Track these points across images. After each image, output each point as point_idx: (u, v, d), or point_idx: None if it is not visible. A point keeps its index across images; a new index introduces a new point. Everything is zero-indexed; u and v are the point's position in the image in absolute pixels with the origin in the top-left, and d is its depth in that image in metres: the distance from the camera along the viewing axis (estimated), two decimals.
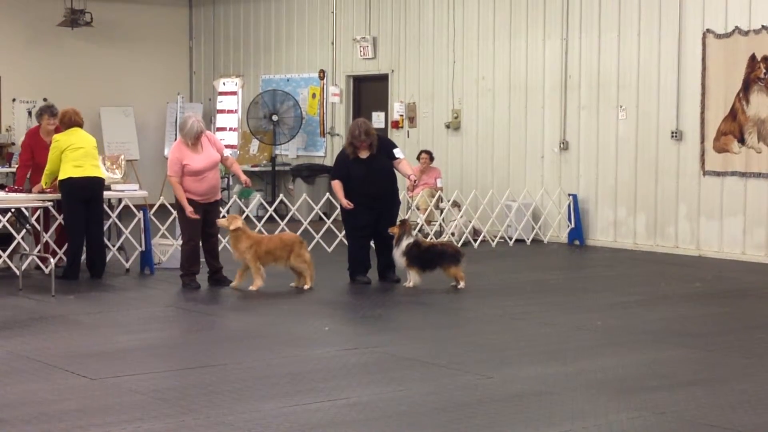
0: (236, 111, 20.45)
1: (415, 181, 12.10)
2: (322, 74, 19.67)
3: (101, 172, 12.35)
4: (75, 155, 11.96)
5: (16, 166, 14.09)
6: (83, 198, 12.01)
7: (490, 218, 15.95)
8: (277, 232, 12.77)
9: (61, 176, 11.96)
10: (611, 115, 15.48)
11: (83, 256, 12.24)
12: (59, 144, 12.01)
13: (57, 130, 12.50)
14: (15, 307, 10.45)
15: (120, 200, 13.13)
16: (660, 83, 14.90)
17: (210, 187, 11.61)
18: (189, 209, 11.40)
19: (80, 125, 12.27)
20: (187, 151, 11.52)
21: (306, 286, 11.47)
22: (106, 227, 12.63)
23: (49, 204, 12.11)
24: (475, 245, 15.44)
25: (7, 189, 12.53)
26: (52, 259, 11.57)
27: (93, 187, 12.08)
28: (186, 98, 21.57)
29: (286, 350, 8.54)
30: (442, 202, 16.34)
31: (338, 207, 12.48)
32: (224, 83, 20.88)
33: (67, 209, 12.05)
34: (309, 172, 19.13)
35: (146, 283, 12.12)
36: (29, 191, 12.37)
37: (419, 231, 14.96)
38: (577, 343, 8.89)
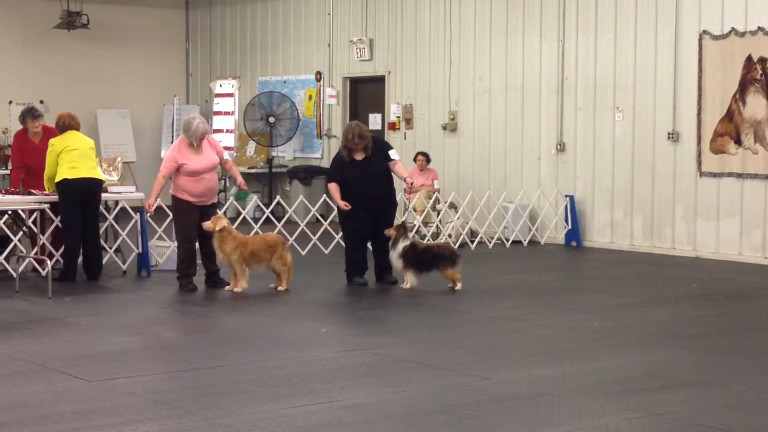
0: (233, 113, 20.46)
1: (411, 184, 12.09)
2: (318, 76, 19.66)
3: (98, 173, 12.33)
4: (70, 157, 11.95)
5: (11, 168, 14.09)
6: (79, 200, 11.99)
7: (486, 220, 15.94)
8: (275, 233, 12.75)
9: (57, 178, 11.95)
10: (608, 117, 15.48)
11: (80, 258, 12.23)
12: (55, 147, 12.00)
13: (49, 132, 12.49)
14: (12, 310, 10.44)
15: (117, 202, 13.13)
16: (656, 84, 14.91)
17: (207, 189, 11.62)
18: (151, 202, 11.55)
19: (76, 128, 12.26)
20: (186, 151, 11.53)
21: (281, 288, 11.44)
22: (102, 229, 12.63)
23: (45, 206, 12.10)
24: (472, 247, 15.44)
25: (3, 191, 12.51)
26: (48, 261, 11.56)
27: (89, 188, 12.07)
28: (183, 100, 21.55)
29: (283, 352, 8.54)
30: (438, 203, 16.35)
31: (335, 209, 12.48)
32: (221, 85, 20.88)
33: (64, 211, 12.03)
34: (306, 174, 19.12)
35: (143, 285, 12.11)
36: (28, 193, 12.35)
37: (416, 233, 14.95)
38: (574, 345, 8.89)
